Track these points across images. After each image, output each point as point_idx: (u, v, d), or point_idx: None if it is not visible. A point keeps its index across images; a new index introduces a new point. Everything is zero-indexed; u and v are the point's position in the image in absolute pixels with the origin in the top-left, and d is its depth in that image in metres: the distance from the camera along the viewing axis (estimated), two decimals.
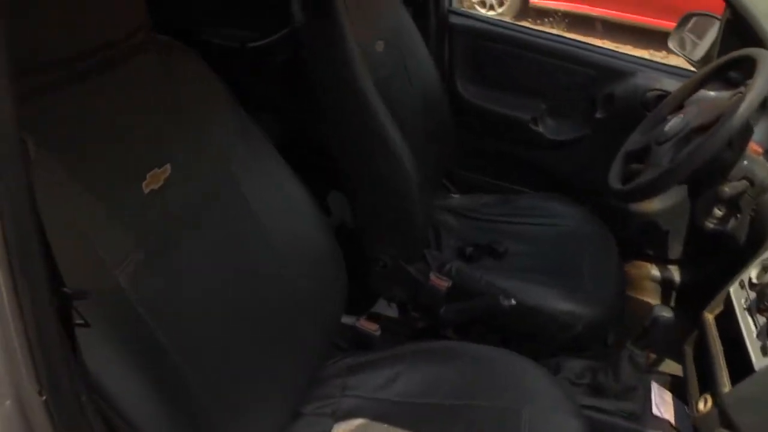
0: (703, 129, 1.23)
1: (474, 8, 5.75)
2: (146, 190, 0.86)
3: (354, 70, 1.31)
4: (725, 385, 1.09)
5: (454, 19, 1.89)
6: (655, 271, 1.93)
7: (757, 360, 1.03)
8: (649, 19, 4.98)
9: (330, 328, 1.23)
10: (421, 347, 1.28)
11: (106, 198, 0.80)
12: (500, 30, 1.90)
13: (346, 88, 1.33)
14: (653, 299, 1.92)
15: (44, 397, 0.52)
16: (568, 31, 5.27)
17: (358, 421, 1.12)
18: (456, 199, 1.92)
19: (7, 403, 0.51)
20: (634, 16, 5.13)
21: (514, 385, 1.17)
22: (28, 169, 0.54)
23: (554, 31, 5.09)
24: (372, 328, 1.38)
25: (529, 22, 5.51)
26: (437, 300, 1.51)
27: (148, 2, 0.91)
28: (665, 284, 1.92)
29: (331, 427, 1.12)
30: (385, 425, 1.11)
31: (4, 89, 0.49)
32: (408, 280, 1.56)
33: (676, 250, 1.91)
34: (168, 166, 0.90)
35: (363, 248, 1.59)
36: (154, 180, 0.88)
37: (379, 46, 1.49)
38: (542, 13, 5.55)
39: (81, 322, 0.63)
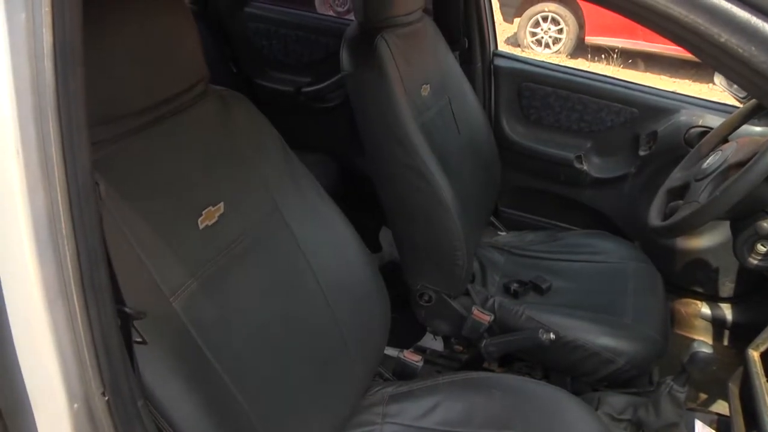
0: (740, 165, 1.24)
1: (530, 47, 5.81)
2: (201, 226, 0.95)
3: (398, 114, 1.38)
4: None
5: (498, 62, 1.96)
6: (705, 309, 1.91)
7: None
8: None
9: (373, 360, 1.28)
10: (460, 378, 1.30)
11: (165, 232, 0.88)
12: (544, 71, 1.95)
13: (390, 131, 1.40)
14: (704, 337, 1.89)
15: (107, 398, 0.60)
16: (624, 67, 5.25)
17: None
18: (503, 236, 1.96)
19: (77, 405, 0.59)
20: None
21: (551, 417, 1.18)
22: (98, 207, 0.63)
23: (610, 68, 5.12)
24: (415, 359, 1.43)
25: (586, 59, 5.51)
26: (479, 333, 1.54)
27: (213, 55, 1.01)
28: (716, 322, 1.89)
29: None
30: None
31: (84, 141, 0.58)
32: (451, 314, 1.60)
33: (727, 288, 1.88)
34: (221, 204, 0.98)
35: (408, 283, 1.64)
36: (209, 216, 0.97)
37: (425, 90, 1.56)
38: (598, 50, 5.56)
39: (139, 339, 0.71)
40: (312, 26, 2.13)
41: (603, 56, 5.47)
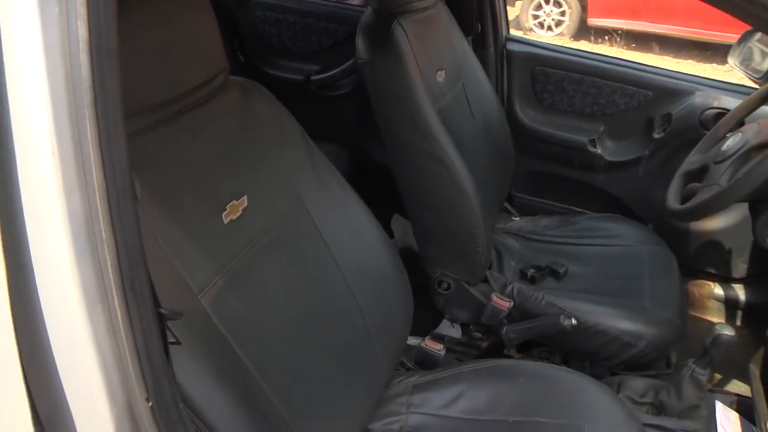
0: (762, 147, 1.24)
1: (532, 30, 5.77)
2: (226, 221, 0.94)
3: (417, 102, 1.38)
4: None
5: (511, 46, 1.95)
6: (718, 290, 1.92)
7: None
8: (711, 33, 4.87)
9: (397, 349, 1.29)
10: (483, 366, 1.31)
11: (190, 228, 0.88)
12: (557, 55, 1.94)
13: (409, 119, 1.39)
14: (716, 318, 1.91)
15: (151, 404, 0.59)
16: (627, 49, 5.23)
17: None
18: (517, 221, 1.96)
19: (119, 411, 0.58)
20: (695, 30, 5.03)
21: (575, 403, 1.19)
22: (135, 207, 0.62)
23: (613, 50, 5.09)
24: (437, 348, 1.44)
25: (589, 41, 5.47)
26: (499, 320, 1.55)
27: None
28: (729, 303, 1.90)
29: None
30: None
31: (122, 139, 0.57)
32: (471, 302, 1.61)
33: (740, 269, 1.89)
34: (245, 198, 0.98)
35: (426, 271, 1.64)
36: (233, 211, 0.96)
37: (440, 76, 1.56)
38: (601, 32, 5.52)
39: (173, 340, 0.71)
40: (320, 13, 2.11)
41: (606, 38, 5.44)
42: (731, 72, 3.04)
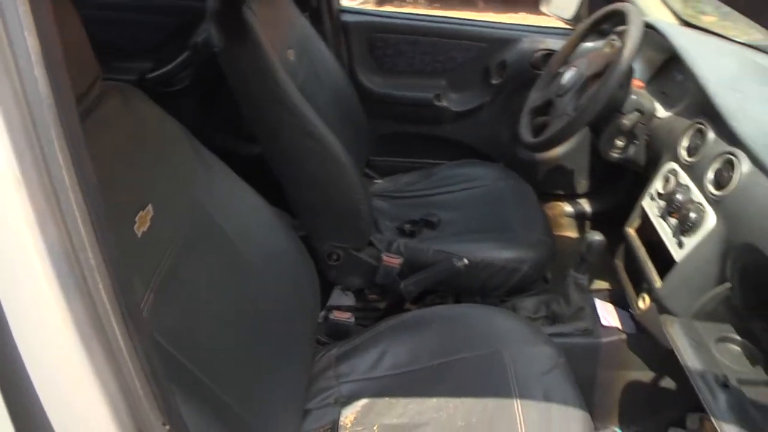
0: (596, 77, 1.42)
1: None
2: (139, 234, 0.90)
3: (281, 82, 1.37)
4: (657, 281, 1.30)
5: (347, 18, 2.00)
6: (568, 207, 2.17)
7: (676, 253, 1.24)
8: None
9: (314, 325, 1.31)
10: (396, 322, 1.37)
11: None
12: (392, 20, 2.03)
13: (276, 100, 1.38)
14: (572, 232, 2.15)
15: (168, 427, 0.56)
16: (430, 8, 5.49)
17: (362, 402, 1.21)
18: (380, 183, 2.03)
19: None
20: None
21: (488, 332, 1.30)
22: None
23: (418, 11, 5.32)
24: (346, 317, 1.48)
25: (393, 5, 5.65)
26: (393, 277, 1.62)
27: None
28: (578, 216, 2.16)
29: (339, 414, 1.19)
30: (387, 398, 1.21)
31: (87, 156, 0.52)
32: (362, 267, 1.66)
33: (582, 185, 2.15)
34: (150, 207, 0.93)
35: (314, 247, 1.66)
36: (143, 222, 0.91)
37: (291, 54, 1.56)
38: None
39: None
40: (151, 7, 2.00)
41: (408, 0, 5.65)
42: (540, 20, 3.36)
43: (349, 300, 1.81)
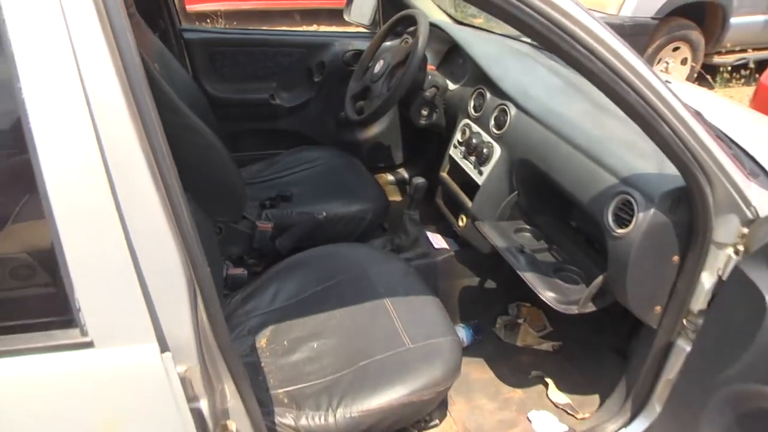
0: (400, 65, 1.92)
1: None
2: None
3: (163, 87, 1.60)
4: (468, 203, 1.83)
5: (189, 35, 2.31)
6: (390, 177, 2.68)
7: (478, 179, 1.80)
8: (308, 2, 5.80)
9: (221, 280, 1.61)
10: (283, 265, 1.69)
11: None
12: (227, 36, 2.40)
13: (161, 104, 1.63)
14: (397, 197, 2.65)
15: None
16: (230, 26, 5.75)
17: (270, 328, 1.51)
18: None
19: None
20: (292, 2, 5.86)
21: (354, 260, 1.68)
22: None
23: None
24: (239, 271, 1.80)
25: (193, 24, 5.82)
26: (267, 240, 1.96)
27: None
28: (399, 183, 2.68)
29: (254, 340, 1.49)
30: (288, 322, 1.52)
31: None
32: (240, 236, 1.96)
33: (398, 156, 2.68)
34: None
35: None
36: None
37: (157, 67, 1.83)
38: (202, 16, 5.90)
39: None
40: None
41: (208, 20, 5.83)
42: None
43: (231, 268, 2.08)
